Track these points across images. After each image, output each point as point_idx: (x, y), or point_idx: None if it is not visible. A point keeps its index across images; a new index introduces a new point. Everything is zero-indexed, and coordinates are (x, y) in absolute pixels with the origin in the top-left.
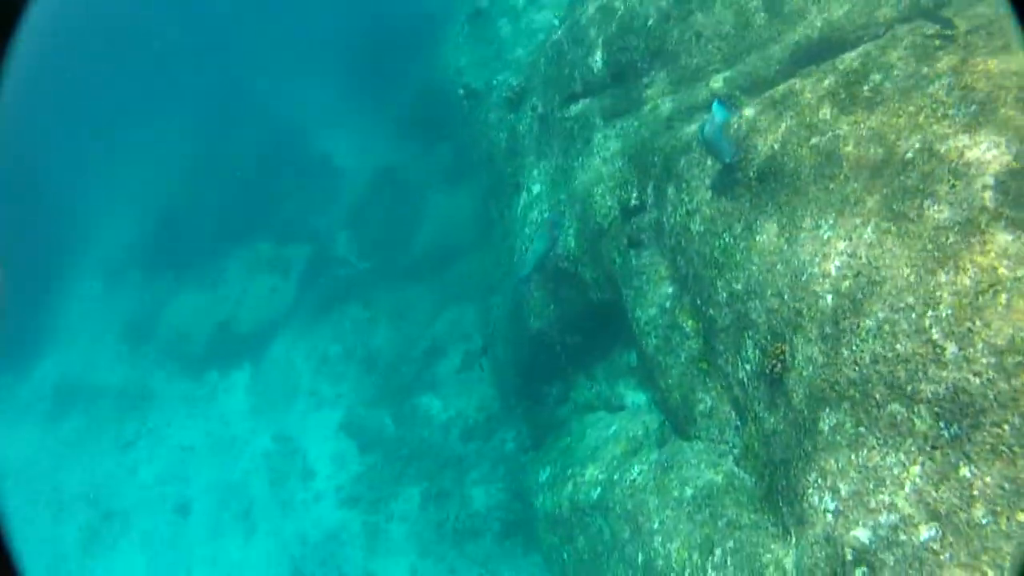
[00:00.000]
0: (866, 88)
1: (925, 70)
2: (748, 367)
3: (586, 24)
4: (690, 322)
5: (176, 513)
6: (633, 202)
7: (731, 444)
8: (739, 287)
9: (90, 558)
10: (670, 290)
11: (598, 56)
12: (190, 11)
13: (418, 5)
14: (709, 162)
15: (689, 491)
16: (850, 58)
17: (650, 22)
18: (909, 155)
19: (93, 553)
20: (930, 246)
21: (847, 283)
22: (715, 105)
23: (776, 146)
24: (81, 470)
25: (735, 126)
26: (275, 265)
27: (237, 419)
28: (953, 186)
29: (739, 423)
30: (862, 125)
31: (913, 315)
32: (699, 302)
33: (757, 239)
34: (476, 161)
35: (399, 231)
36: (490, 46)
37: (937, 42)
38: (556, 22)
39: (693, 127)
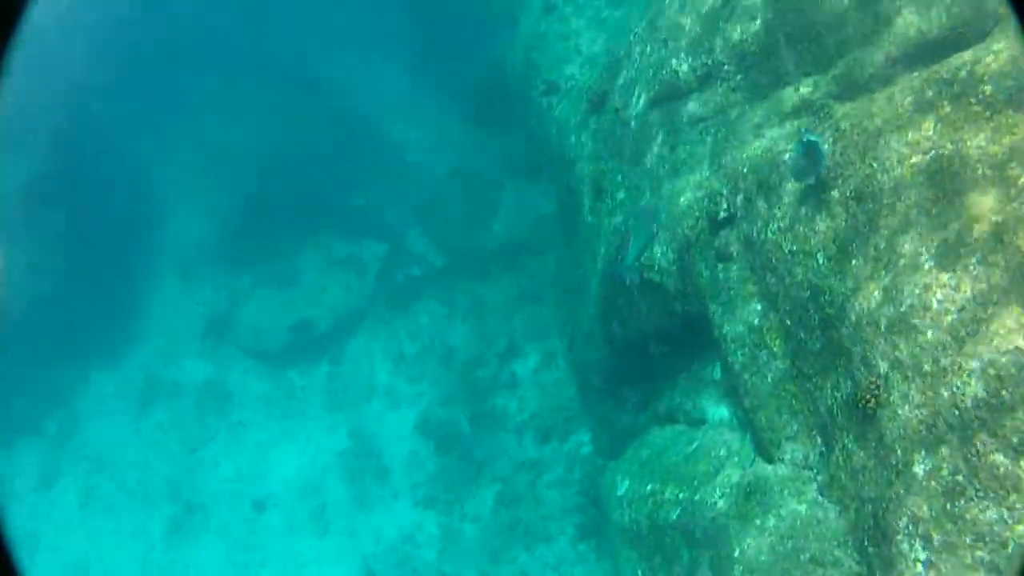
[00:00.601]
0: (974, 100)
1: None
2: (838, 395)
3: (671, 24)
4: (778, 342)
5: (253, 509)
6: (722, 214)
7: (815, 471)
8: (831, 312)
9: (173, 549)
10: (759, 307)
11: (684, 58)
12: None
13: None
14: (812, 180)
15: (772, 520)
16: (955, 64)
17: (736, 20)
18: (1022, 181)
19: (176, 544)
20: None
21: (949, 318)
22: (802, 134)
23: (874, 163)
24: (165, 464)
25: (824, 147)
26: (350, 262)
27: (314, 417)
28: None
29: (825, 450)
30: (970, 143)
31: (1022, 359)
32: (788, 323)
33: (852, 263)
34: (553, 160)
35: (474, 227)
36: (566, 41)
37: None
38: (638, 20)
39: (781, 135)
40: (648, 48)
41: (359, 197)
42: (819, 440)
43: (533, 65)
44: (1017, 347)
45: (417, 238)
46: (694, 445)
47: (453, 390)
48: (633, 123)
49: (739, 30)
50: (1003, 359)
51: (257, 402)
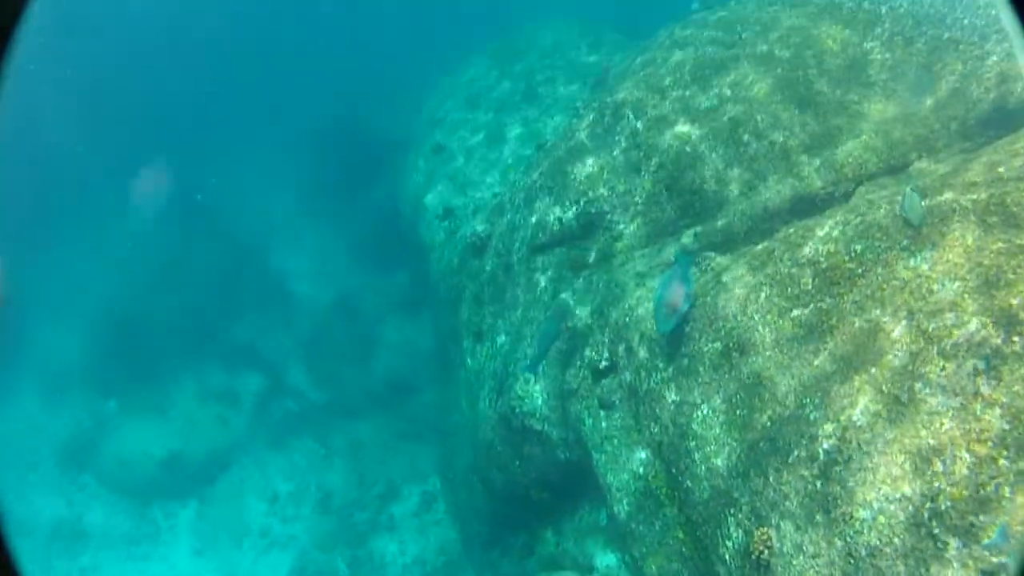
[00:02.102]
0: (847, 259)
1: (905, 242)
2: (730, 544)
3: (556, 171)
4: (664, 489)
5: None
6: (603, 363)
7: None
8: (718, 463)
9: None
10: (643, 455)
11: (568, 206)
12: (152, 118)
13: (381, 132)
14: (686, 328)
15: None
16: (828, 226)
17: (621, 172)
18: (896, 334)
19: None
20: (923, 432)
21: (837, 469)
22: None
23: (756, 316)
24: None
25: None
26: (226, 394)
27: (181, 561)
28: (943, 369)
29: None
30: (846, 298)
31: (911, 507)
32: (674, 471)
33: (737, 414)
34: (434, 299)
35: (354, 363)
36: (452, 181)
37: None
38: (523, 165)
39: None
40: (532, 194)
41: (240, 326)
42: None
43: (420, 203)
44: (903, 495)
45: (296, 372)
46: None
47: (330, 533)
48: (515, 268)
49: (623, 181)
50: (891, 507)
51: (116, 543)
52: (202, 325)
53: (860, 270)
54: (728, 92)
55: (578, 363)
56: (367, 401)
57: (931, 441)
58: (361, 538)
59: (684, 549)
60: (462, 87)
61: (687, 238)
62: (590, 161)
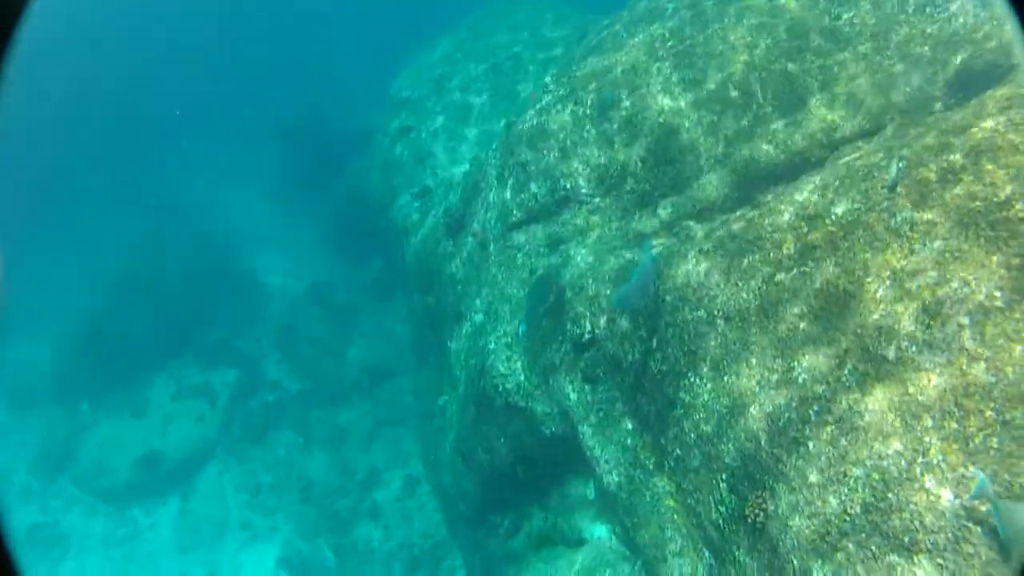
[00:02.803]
0: (828, 222)
1: (885, 203)
2: (723, 508)
3: (529, 148)
4: (653, 459)
5: None
6: (586, 336)
7: None
8: (708, 429)
9: None
10: (630, 426)
11: (542, 182)
12: (123, 121)
13: (349, 117)
14: (667, 298)
15: None
16: (807, 191)
17: (594, 145)
18: (880, 293)
19: None
20: (912, 389)
21: (829, 429)
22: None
23: (740, 282)
24: None
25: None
26: (202, 390)
27: (165, 559)
28: (928, 326)
29: (715, 563)
30: (828, 261)
31: (902, 462)
32: (663, 441)
33: (726, 380)
34: (408, 283)
35: (331, 352)
36: (422, 164)
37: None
38: (494, 143)
39: (639, 256)
40: (505, 172)
41: (214, 322)
42: (707, 553)
43: (389, 186)
44: (895, 450)
45: (272, 364)
46: (576, 567)
47: (314, 522)
48: (491, 247)
49: (598, 155)
50: (884, 463)
51: (97, 545)
52: (175, 323)
53: (841, 233)
54: (701, 63)
55: (559, 337)
56: (345, 389)
57: (920, 397)
58: (345, 525)
59: (676, 516)
60: (429, 67)
61: (663, 209)
62: (562, 136)
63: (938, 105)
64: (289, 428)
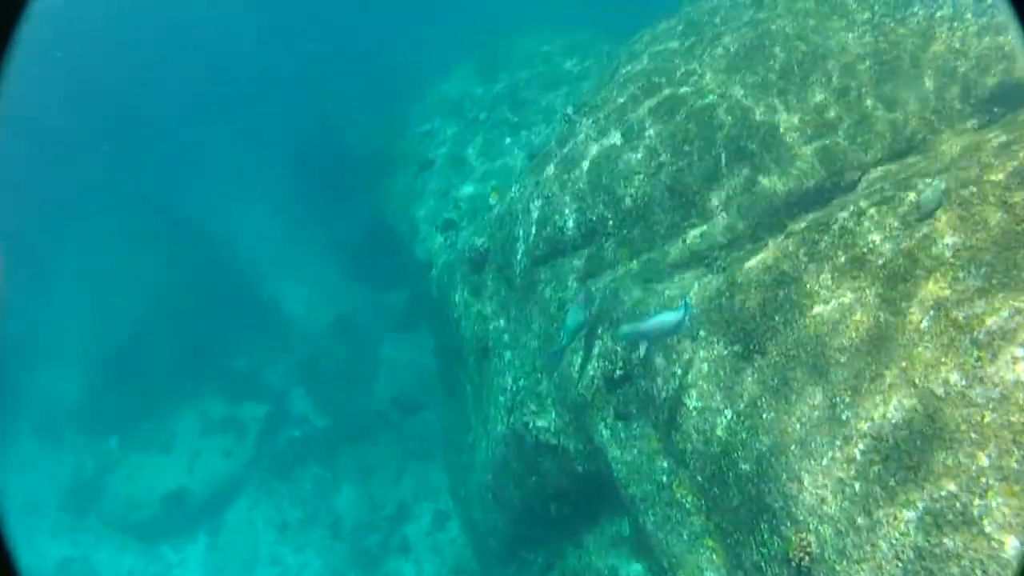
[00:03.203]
0: (866, 251)
1: (925, 231)
2: (765, 551)
3: (551, 182)
4: (690, 498)
5: None
6: (618, 372)
7: None
8: (747, 468)
9: None
10: (665, 464)
11: (568, 214)
12: (135, 147)
13: (367, 148)
14: (702, 332)
15: None
16: (842, 218)
17: (621, 180)
18: (924, 324)
19: None
20: (964, 426)
21: (875, 468)
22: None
23: (776, 316)
24: None
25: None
26: (228, 425)
27: None
28: (979, 359)
29: None
30: (867, 291)
31: (958, 504)
32: (700, 479)
33: (764, 417)
34: (434, 316)
35: (356, 385)
36: (444, 198)
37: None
38: (517, 175)
39: (671, 288)
40: (530, 204)
41: (238, 354)
42: None
43: (412, 219)
44: (949, 491)
45: (298, 398)
46: None
47: (344, 557)
48: (518, 280)
49: (623, 186)
50: (937, 506)
51: None
52: (200, 356)
53: (880, 261)
54: (716, 89)
55: (591, 373)
56: (372, 422)
57: (973, 435)
58: (375, 561)
59: (715, 556)
60: (447, 99)
61: (692, 239)
62: (586, 167)
63: (971, 123)
64: (317, 463)
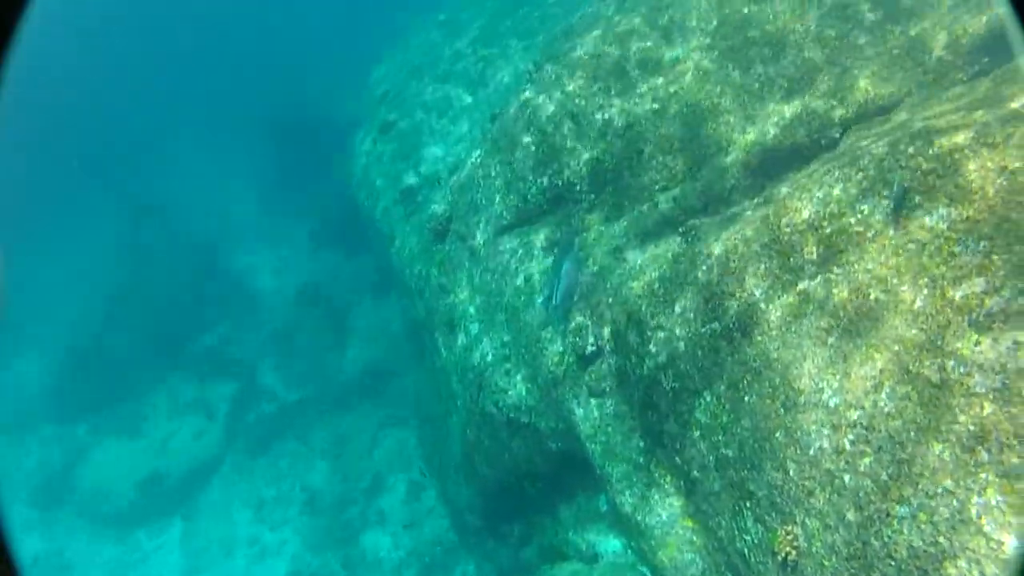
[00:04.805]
0: (853, 221)
1: (918, 199)
2: (748, 538)
3: (515, 144)
4: (669, 478)
5: None
6: (589, 348)
7: None
8: (729, 453)
9: None
10: (641, 444)
11: (530, 179)
12: (101, 124)
13: (330, 112)
14: (677, 308)
15: None
16: (826, 183)
17: (585, 142)
18: (918, 304)
19: None
20: (963, 418)
21: (867, 460)
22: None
23: (757, 291)
24: None
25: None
26: (199, 405)
27: None
28: (978, 343)
29: None
30: (856, 266)
31: (954, 501)
32: (678, 461)
33: (745, 400)
34: (399, 285)
35: (327, 354)
36: (405, 161)
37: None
38: (479, 139)
39: (644, 259)
40: (493, 171)
41: (206, 330)
42: None
43: (373, 186)
44: (945, 488)
45: (268, 372)
46: None
47: (322, 533)
48: (481, 251)
49: (589, 148)
50: (932, 503)
51: (103, 571)
52: (167, 335)
53: (869, 233)
54: (692, 43)
55: (561, 349)
56: (344, 393)
57: (971, 427)
58: (353, 535)
59: (695, 538)
60: (408, 58)
61: (664, 203)
62: (551, 128)
63: (960, 75)
64: (290, 438)
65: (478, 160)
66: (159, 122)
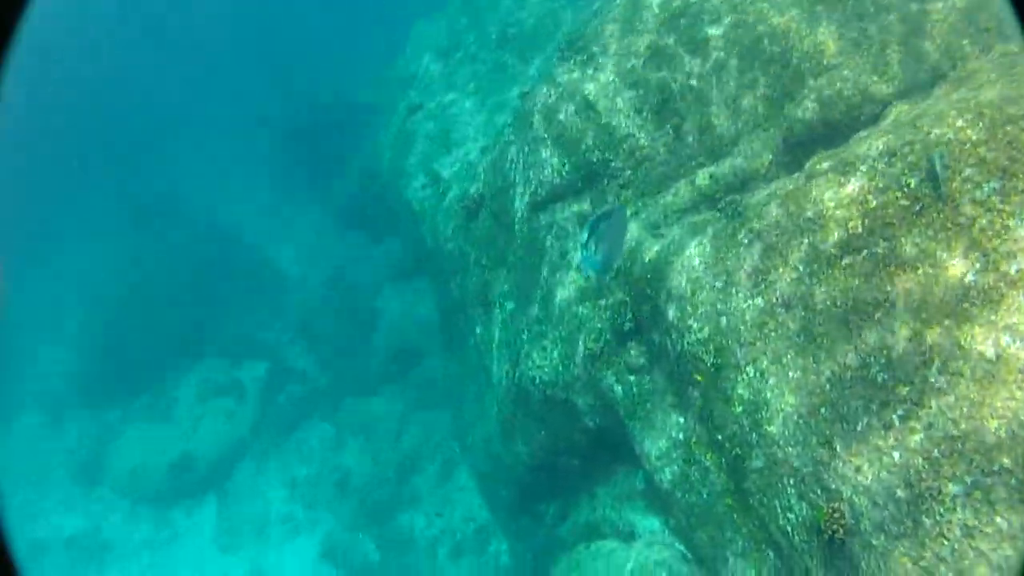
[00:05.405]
0: (900, 195)
1: (968, 171)
2: (791, 516)
3: (548, 120)
4: (710, 455)
5: None
6: (627, 324)
7: None
8: (773, 430)
9: None
10: (681, 420)
11: (564, 156)
12: (120, 115)
13: (353, 95)
14: (718, 283)
15: None
16: (871, 158)
17: (621, 116)
18: (970, 279)
19: None
20: (1019, 393)
21: (917, 437)
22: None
23: (802, 267)
24: None
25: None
26: (229, 387)
27: (209, 559)
28: None
29: (780, 565)
30: (904, 241)
31: (1013, 480)
32: (720, 438)
33: (791, 376)
34: (430, 264)
35: (356, 336)
36: (433, 141)
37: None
38: (510, 115)
39: (682, 234)
40: (525, 147)
41: (235, 315)
42: (772, 555)
43: (402, 168)
44: (1002, 466)
45: (298, 354)
46: (629, 566)
47: (354, 512)
48: (516, 228)
49: (624, 123)
50: (988, 480)
51: (140, 549)
52: (196, 321)
53: (917, 207)
54: (728, 19)
55: (599, 325)
56: (374, 374)
57: None
58: (386, 513)
59: (736, 516)
60: (433, 39)
61: (702, 179)
62: (584, 106)
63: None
64: (321, 419)
65: (510, 138)
66: (176, 113)
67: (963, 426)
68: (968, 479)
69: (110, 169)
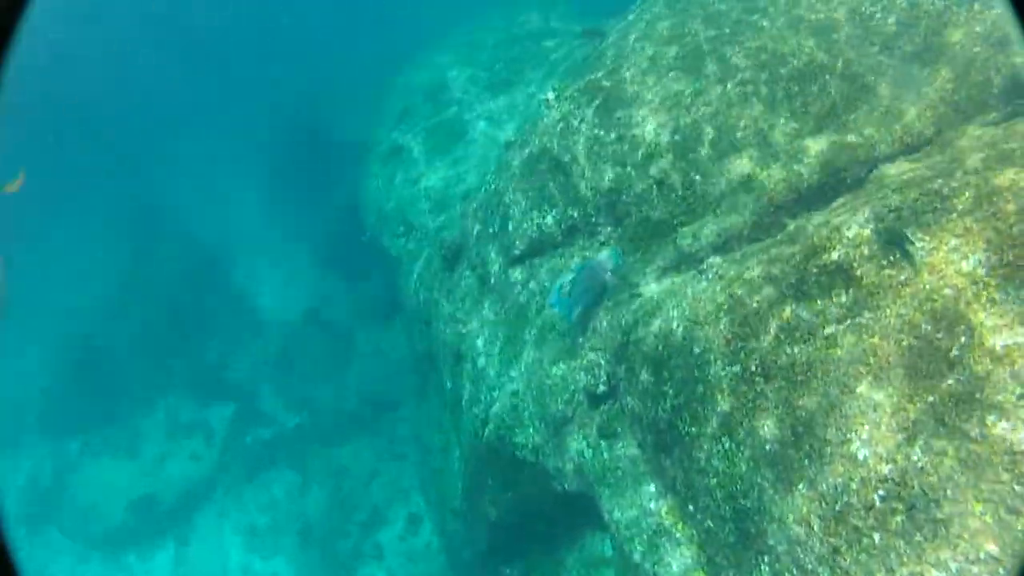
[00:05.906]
0: (885, 263)
1: (954, 242)
2: None
3: (528, 171)
4: (680, 526)
5: None
6: (601, 387)
7: None
8: (747, 504)
9: None
10: (652, 488)
11: (546, 208)
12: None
13: (341, 132)
14: (696, 349)
15: None
16: (856, 223)
17: (601, 172)
18: (955, 352)
19: None
20: (1006, 476)
21: (898, 519)
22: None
23: (782, 335)
24: None
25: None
26: (196, 427)
27: None
28: (1021, 397)
29: None
30: (888, 311)
31: (1000, 571)
32: (691, 508)
33: (767, 449)
34: (405, 313)
35: (328, 381)
36: (415, 186)
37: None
38: (490, 164)
39: (661, 291)
40: (505, 197)
41: (206, 349)
42: None
43: (382, 211)
44: (988, 554)
45: (268, 396)
46: None
47: (315, 565)
48: (492, 281)
49: (607, 179)
50: (974, 569)
51: None
52: (166, 351)
53: (902, 276)
54: (713, 73)
55: (571, 387)
56: (343, 421)
57: (1016, 487)
58: (347, 568)
59: None
60: (421, 81)
61: (684, 239)
62: (567, 157)
63: (993, 115)
64: (287, 465)
65: (492, 187)
66: (169, 137)
67: (946, 509)
68: (954, 567)
69: (97, 180)
